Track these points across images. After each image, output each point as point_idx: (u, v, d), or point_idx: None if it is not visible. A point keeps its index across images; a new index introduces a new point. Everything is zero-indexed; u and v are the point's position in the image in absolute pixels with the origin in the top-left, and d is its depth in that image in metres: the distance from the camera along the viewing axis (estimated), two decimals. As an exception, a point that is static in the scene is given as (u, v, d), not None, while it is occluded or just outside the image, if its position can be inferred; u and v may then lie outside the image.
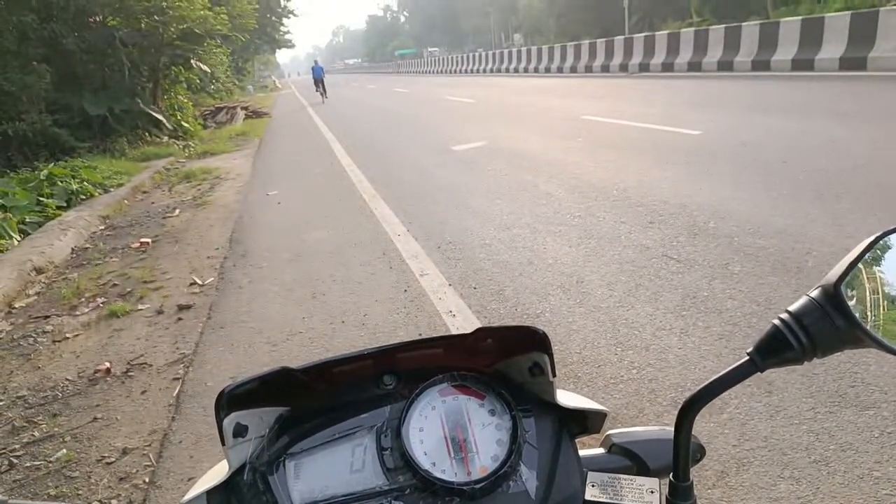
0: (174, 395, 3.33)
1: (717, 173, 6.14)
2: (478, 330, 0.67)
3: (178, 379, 3.50)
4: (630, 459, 0.70)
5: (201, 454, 2.78)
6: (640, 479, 0.59)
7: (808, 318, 0.53)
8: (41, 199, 7.81)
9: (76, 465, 2.84)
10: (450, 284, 4.25)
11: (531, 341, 0.66)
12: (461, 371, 0.70)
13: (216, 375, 3.48)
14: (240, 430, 0.64)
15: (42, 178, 8.53)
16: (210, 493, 0.65)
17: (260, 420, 0.67)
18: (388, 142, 11.92)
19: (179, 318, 4.37)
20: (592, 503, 0.57)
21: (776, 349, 0.54)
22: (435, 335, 0.71)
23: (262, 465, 0.65)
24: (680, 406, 0.57)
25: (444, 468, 0.63)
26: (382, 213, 6.42)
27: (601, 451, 0.74)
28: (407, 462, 0.63)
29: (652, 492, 0.57)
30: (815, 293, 0.54)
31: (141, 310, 4.63)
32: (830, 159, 6.03)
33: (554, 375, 0.66)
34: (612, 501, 0.57)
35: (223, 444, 0.63)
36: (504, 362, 0.72)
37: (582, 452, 0.70)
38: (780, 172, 5.82)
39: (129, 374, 3.64)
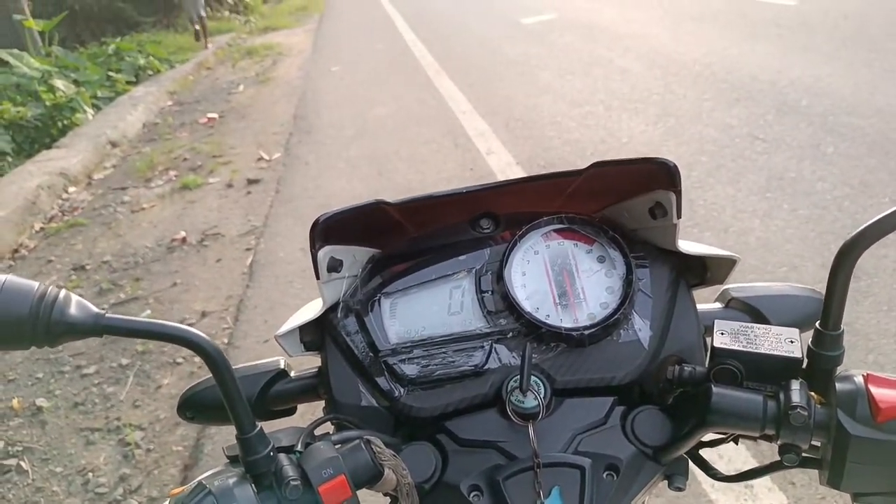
0: (247, 264, 3.43)
1: (813, 47, 5.61)
2: (593, 165, 0.59)
3: (250, 249, 3.60)
4: (750, 315, 0.64)
5: (276, 318, 2.88)
6: (776, 329, 0.52)
7: None
8: (111, 73, 7.90)
9: (160, 325, 3.00)
10: (518, 163, 4.13)
11: (655, 177, 0.58)
12: (567, 215, 0.63)
13: (286, 247, 3.55)
14: (334, 265, 0.60)
15: (110, 52, 8.59)
16: (303, 328, 0.62)
17: (353, 258, 0.63)
18: (452, 14, 11.37)
19: (249, 192, 4.44)
20: (723, 350, 0.51)
21: None
22: (539, 173, 0.63)
23: (356, 303, 0.61)
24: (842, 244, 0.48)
25: (548, 313, 0.59)
26: (447, 90, 6.21)
27: (718, 305, 0.67)
28: (509, 305, 0.58)
29: (792, 341, 0.51)
30: None
31: (211, 183, 4.72)
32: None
33: (679, 217, 0.58)
34: (747, 349, 0.51)
35: (318, 277, 0.59)
36: (615, 207, 0.64)
37: (698, 307, 0.63)
38: (885, 47, 5.26)
39: (204, 243, 3.76)
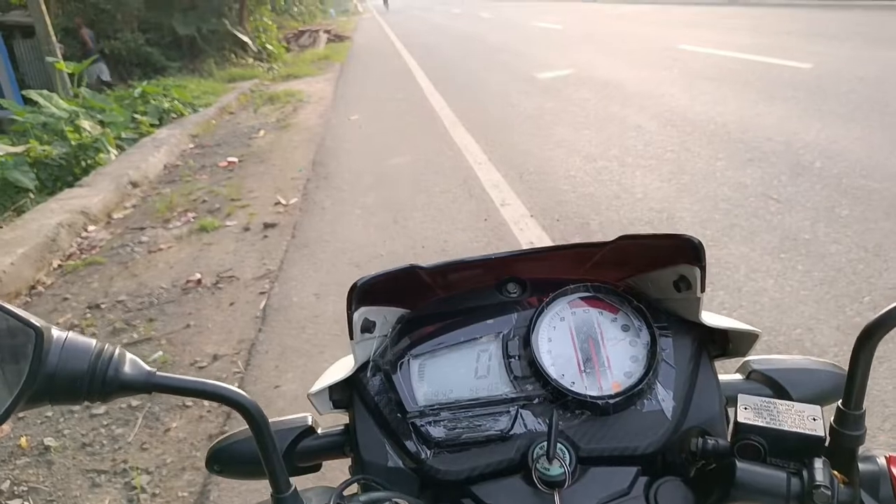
0: (261, 307, 3.45)
1: (828, 111, 5.67)
2: (619, 238, 0.61)
3: (264, 293, 3.62)
4: (770, 388, 0.64)
5: (286, 364, 2.88)
6: (799, 405, 0.53)
7: None
8: (136, 116, 8.10)
9: (171, 366, 3.01)
10: (532, 215, 4.16)
11: (680, 252, 0.60)
12: (593, 283, 0.64)
13: (300, 291, 3.57)
14: (367, 326, 0.62)
15: (136, 95, 8.83)
16: (332, 387, 0.63)
17: (384, 319, 0.64)
18: (471, 68, 11.64)
19: (265, 236, 4.49)
20: (747, 426, 0.52)
21: None
22: (564, 242, 0.65)
23: (386, 363, 0.63)
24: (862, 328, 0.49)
25: (573, 380, 0.60)
26: (463, 141, 6.31)
27: (739, 377, 0.68)
28: (535, 371, 0.59)
29: (814, 419, 0.51)
30: None
31: (229, 226, 4.78)
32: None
33: (703, 290, 0.60)
34: (770, 426, 0.51)
35: (351, 338, 0.61)
36: (639, 276, 0.66)
37: (719, 378, 0.64)
38: (900, 111, 5.31)
39: (219, 285, 3.79)
